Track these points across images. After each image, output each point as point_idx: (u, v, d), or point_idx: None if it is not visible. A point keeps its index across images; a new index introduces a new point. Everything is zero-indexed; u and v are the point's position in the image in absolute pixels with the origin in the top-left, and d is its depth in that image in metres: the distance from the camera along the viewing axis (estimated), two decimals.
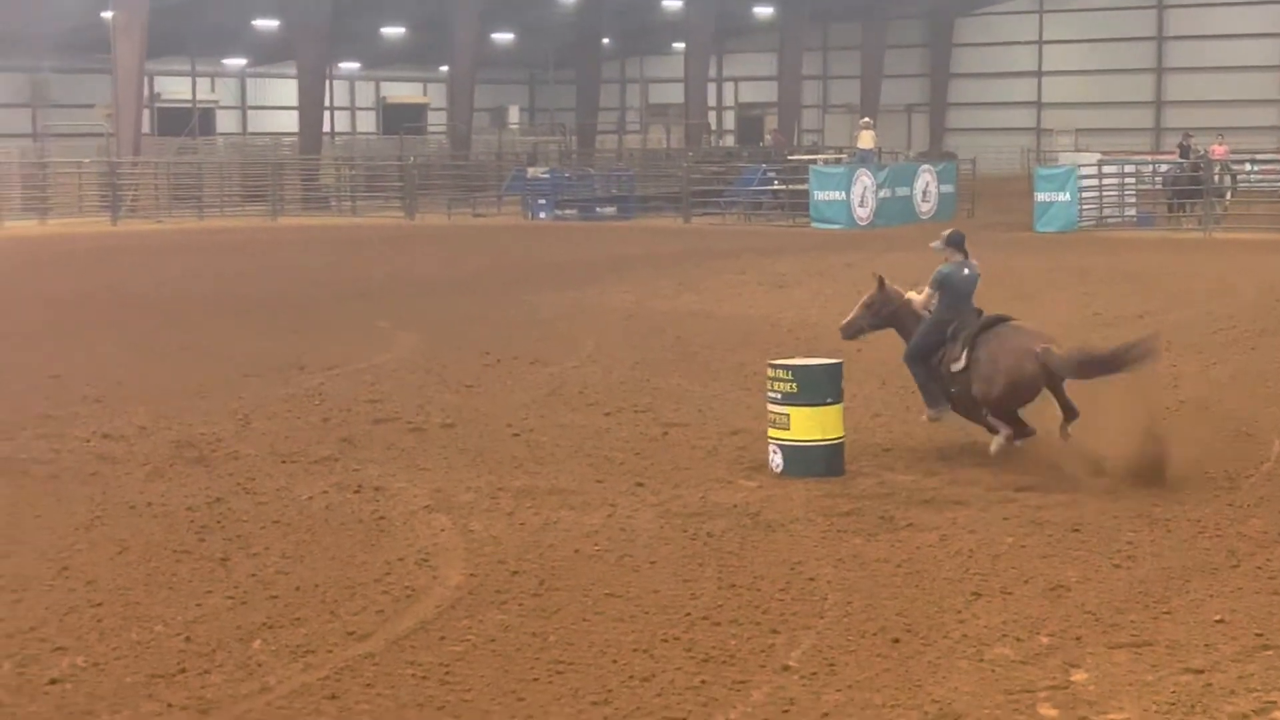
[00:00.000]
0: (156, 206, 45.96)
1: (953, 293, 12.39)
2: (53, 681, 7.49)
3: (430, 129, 65.91)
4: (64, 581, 9.13)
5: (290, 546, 9.88)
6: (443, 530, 10.27)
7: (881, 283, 12.83)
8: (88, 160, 47.10)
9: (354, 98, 67.10)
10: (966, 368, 12.15)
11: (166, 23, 48.03)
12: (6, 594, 8.86)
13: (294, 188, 50.66)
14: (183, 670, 7.63)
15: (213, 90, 62.42)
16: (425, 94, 69.20)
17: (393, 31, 60.38)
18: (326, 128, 56.91)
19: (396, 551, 9.77)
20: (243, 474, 11.90)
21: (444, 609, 8.61)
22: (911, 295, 12.73)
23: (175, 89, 60.59)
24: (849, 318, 13.06)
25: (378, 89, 68.26)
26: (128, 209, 44.61)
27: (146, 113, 52.16)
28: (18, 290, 25.98)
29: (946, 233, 12.79)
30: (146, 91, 51.46)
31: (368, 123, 67.83)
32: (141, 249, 35.24)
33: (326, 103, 56.29)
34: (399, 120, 64.06)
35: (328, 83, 56.24)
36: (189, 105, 60.17)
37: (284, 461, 12.33)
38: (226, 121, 63.08)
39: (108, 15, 46.38)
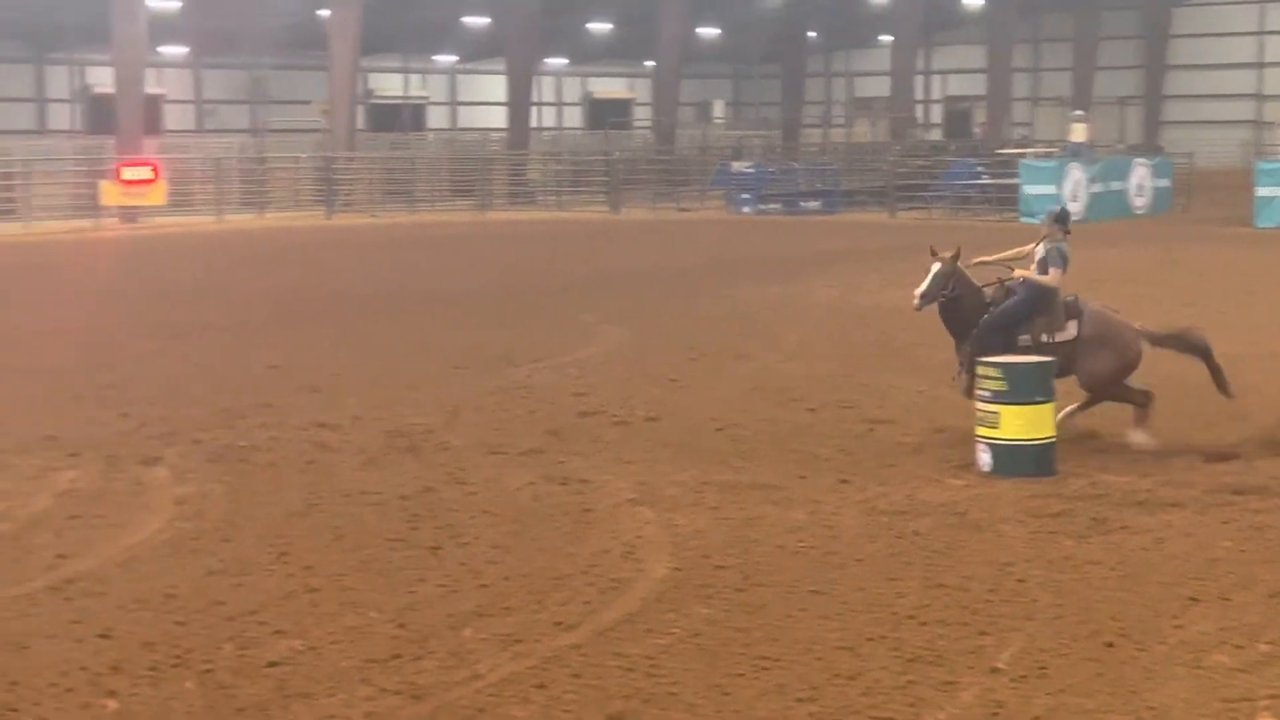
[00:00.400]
0: (369, 201, 47.00)
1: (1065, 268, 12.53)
2: (271, 664, 7.70)
3: (635, 124, 66.32)
4: (283, 567, 9.38)
5: (499, 536, 10.02)
6: (647, 523, 10.33)
7: (958, 255, 12.71)
8: (304, 156, 48.38)
9: (561, 93, 67.79)
10: (1072, 340, 12.31)
11: (379, 20, 49.11)
12: (228, 578, 9.13)
13: (501, 182, 51.41)
14: (396, 656, 7.79)
15: (424, 87, 63.61)
16: (631, 89, 69.63)
17: (599, 27, 60.88)
18: (534, 123, 57.59)
19: (602, 543, 9.86)
20: (453, 464, 12.11)
21: (649, 602, 8.66)
22: (1025, 273, 12.55)
23: (388, 85, 61.87)
24: (925, 287, 12.72)
25: (584, 85, 68.88)
26: (342, 203, 45.70)
27: (360, 109, 53.33)
28: (239, 283, 26.79)
29: (1055, 209, 12.98)
30: (360, 88, 52.64)
31: (574, 118, 68.50)
32: (355, 243, 36.08)
33: (534, 98, 56.96)
34: (604, 115, 64.56)
35: (535, 79, 56.90)
36: (401, 101, 61.39)
37: (492, 453, 12.51)
38: (437, 117, 64.22)
39: (324, 13, 47.60)
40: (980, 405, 11.61)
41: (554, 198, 50.87)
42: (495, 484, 11.46)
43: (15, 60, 51.89)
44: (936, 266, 12.69)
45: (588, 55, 65.32)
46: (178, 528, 10.29)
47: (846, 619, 8.31)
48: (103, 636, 8.07)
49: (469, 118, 63.87)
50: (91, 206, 41.74)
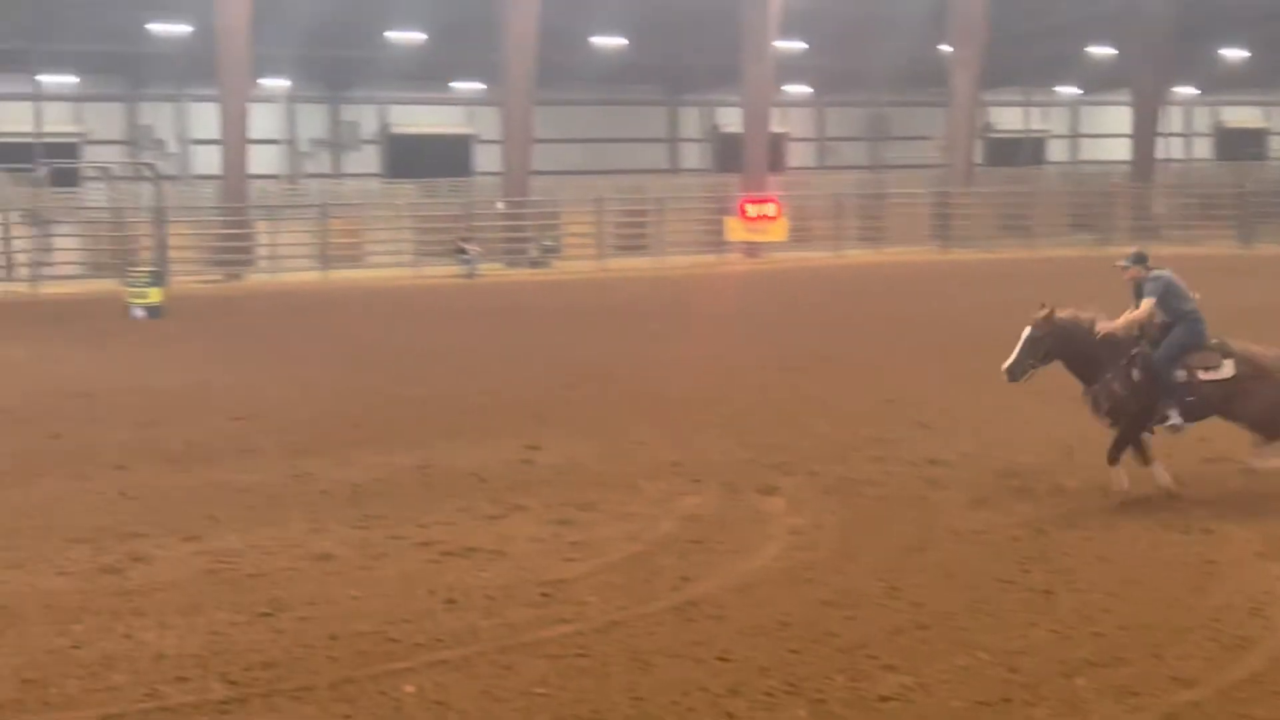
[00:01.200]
0: (984, 236, 46.74)
1: (1180, 294, 12.23)
2: (883, 698, 7.77)
3: (1271, 154, 62.93)
4: (893, 602, 9.45)
5: (1114, 584, 9.73)
6: (1277, 579, 9.76)
7: (1050, 315, 12.22)
8: (921, 191, 48.69)
9: (1189, 123, 65.23)
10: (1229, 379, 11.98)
11: (1000, 53, 48.79)
12: (841, 610, 9.28)
13: (1124, 216, 49.97)
14: (1007, 700, 7.70)
15: (1044, 119, 62.73)
16: (1266, 118, 66.14)
17: (1233, 54, 58.22)
18: (1160, 154, 55.72)
19: (1225, 597, 9.40)
20: (1066, 506, 11.87)
21: (1277, 662, 8.19)
22: (1107, 326, 12.23)
23: (1007, 119, 61.40)
24: (1013, 359, 12.29)
25: (1215, 114, 66.00)
26: (957, 238, 45.68)
27: (978, 143, 53.19)
28: (854, 317, 27.26)
29: (1132, 252, 12.80)
30: (979, 122, 52.49)
31: (1203, 149, 65.75)
32: (970, 277, 35.97)
33: (1160, 129, 55.10)
34: (1237, 145, 61.61)
35: (1162, 108, 55.04)
36: (1020, 135, 60.76)
37: (1106, 496, 12.16)
38: (1057, 150, 63.18)
39: (945, 49, 47.82)
40: None
41: (1180, 231, 48.94)
42: (1111, 528, 11.14)
43: (651, 103, 54.94)
44: (1027, 331, 12.32)
45: (1219, 83, 62.52)
46: (793, 557, 10.57)
47: None
48: (721, 659, 8.38)
49: (1091, 150, 62.48)
50: (717, 242, 43.60)
